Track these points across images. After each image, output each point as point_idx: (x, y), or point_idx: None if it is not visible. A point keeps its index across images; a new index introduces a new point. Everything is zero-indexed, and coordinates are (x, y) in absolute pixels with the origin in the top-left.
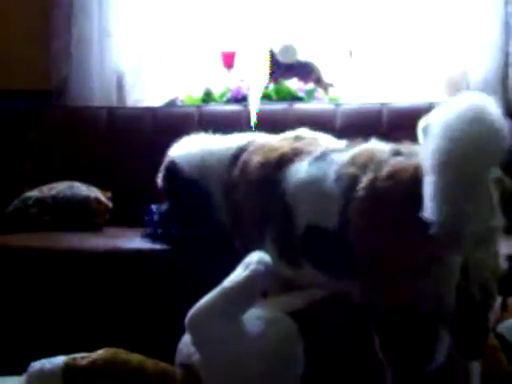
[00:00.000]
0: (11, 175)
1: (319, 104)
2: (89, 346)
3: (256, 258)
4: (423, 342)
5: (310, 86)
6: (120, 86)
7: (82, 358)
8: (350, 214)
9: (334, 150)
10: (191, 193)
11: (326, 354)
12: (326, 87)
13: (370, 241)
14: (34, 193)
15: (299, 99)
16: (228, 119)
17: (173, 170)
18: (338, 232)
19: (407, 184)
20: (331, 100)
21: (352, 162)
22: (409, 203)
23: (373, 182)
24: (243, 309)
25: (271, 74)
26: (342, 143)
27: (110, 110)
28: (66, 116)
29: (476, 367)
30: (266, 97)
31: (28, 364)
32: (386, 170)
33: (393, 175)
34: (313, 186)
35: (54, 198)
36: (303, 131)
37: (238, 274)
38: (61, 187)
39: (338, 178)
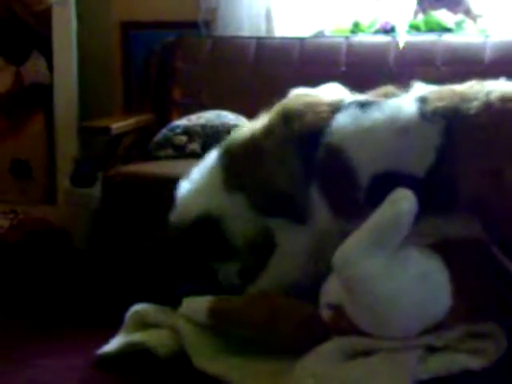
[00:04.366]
0: (160, 104)
1: (468, 36)
2: None
3: (401, 195)
4: None
5: (459, 17)
6: (268, 17)
7: (228, 299)
8: (456, 148)
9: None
10: None
11: (469, 283)
12: (475, 18)
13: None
14: (183, 121)
15: (448, 30)
16: (376, 50)
17: None
18: (430, 174)
19: None
20: (480, 32)
21: (434, 95)
22: None
23: (488, 107)
24: (390, 246)
25: (420, 5)
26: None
27: (259, 40)
28: (215, 46)
29: None
30: (414, 28)
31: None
32: (495, 96)
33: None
34: (380, 131)
35: (202, 126)
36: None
37: (384, 211)
38: (209, 116)
39: (425, 112)
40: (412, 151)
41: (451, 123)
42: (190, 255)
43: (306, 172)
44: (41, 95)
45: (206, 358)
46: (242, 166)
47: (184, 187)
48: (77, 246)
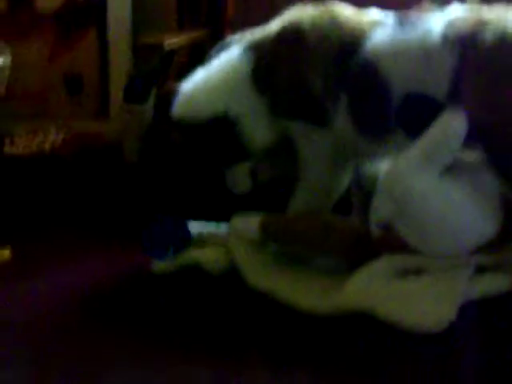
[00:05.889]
0: (214, 21)
1: None
2: None
3: (451, 113)
4: None
5: None
6: None
7: (279, 215)
8: (467, 74)
9: (414, 15)
10: None
11: None
12: None
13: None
14: (236, 38)
15: None
16: None
17: None
18: (447, 100)
19: None
20: None
21: (460, 21)
22: None
23: (500, 42)
24: (442, 163)
25: None
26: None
27: None
28: None
29: None
30: None
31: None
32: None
33: None
34: (411, 50)
35: None
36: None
37: (435, 129)
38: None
39: (447, 37)
40: (434, 75)
41: (467, 52)
42: (201, 156)
43: (339, 80)
44: (94, 11)
45: (257, 275)
46: (275, 61)
47: (194, 83)
48: (127, 160)
